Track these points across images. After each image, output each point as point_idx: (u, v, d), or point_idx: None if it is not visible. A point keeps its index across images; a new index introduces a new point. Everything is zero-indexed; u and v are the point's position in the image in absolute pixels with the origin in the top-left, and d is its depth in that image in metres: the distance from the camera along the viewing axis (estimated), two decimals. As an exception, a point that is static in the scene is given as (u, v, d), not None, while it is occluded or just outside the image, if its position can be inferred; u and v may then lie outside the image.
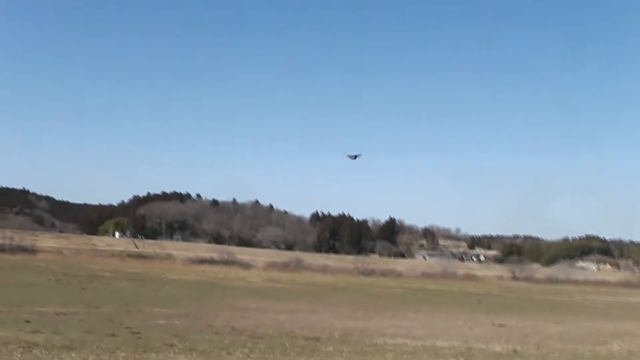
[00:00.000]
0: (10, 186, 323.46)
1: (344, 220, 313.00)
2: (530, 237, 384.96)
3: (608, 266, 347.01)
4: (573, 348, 34.22)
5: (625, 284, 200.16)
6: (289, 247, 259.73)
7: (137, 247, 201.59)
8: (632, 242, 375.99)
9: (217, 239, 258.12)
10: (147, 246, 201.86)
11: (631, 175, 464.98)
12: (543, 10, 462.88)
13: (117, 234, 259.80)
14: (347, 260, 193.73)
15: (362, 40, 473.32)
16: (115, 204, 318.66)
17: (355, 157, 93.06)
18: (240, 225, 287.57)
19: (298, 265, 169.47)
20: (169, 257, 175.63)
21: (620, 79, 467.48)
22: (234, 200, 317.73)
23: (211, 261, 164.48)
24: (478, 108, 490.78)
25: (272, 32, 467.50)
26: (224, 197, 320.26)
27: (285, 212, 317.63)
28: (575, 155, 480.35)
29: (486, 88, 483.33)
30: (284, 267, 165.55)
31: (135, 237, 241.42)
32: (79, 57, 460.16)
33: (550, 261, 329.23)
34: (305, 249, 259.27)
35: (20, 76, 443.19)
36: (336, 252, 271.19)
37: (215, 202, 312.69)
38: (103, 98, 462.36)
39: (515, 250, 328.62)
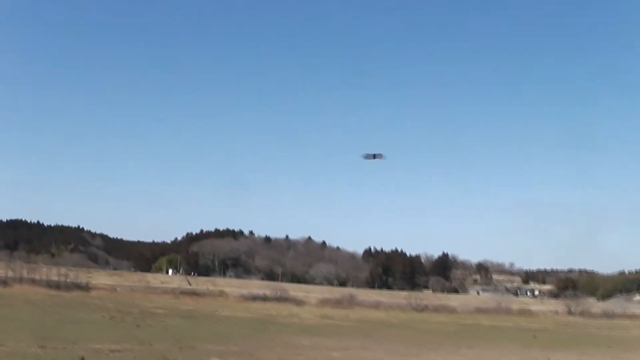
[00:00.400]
0: (66, 224, 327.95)
1: (396, 255, 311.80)
2: (585, 271, 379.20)
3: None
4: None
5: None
6: (342, 284, 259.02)
7: (190, 284, 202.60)
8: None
9: (270, 276, 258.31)
10: (200, 283, 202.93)
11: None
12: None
13: (170, 271, 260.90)
14: (399, 296, 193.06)
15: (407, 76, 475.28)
16: (168, 241, 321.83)
17: (374, 156, 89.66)
18: (292, 261, 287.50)
19: (351, 302, 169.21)
20: (221, 294, 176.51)
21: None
22: (287, 236, 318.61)
23: (264, 298, 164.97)
24: (532, 142, 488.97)
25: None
26: (276, 233, 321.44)
27: (338, 248, 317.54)
28: (629, 187, 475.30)
29: (539, 121, 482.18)
30: (337, 303, 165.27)
31: (189, 274, 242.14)
32: (141, 98, 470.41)
33: (607, 295, 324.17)
34: (358, 285, 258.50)
35: (79, 117, 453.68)
36: (389, 288, 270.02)
37: (267, 239, 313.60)
38: (159, 137, 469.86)
39: (570, 285, 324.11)
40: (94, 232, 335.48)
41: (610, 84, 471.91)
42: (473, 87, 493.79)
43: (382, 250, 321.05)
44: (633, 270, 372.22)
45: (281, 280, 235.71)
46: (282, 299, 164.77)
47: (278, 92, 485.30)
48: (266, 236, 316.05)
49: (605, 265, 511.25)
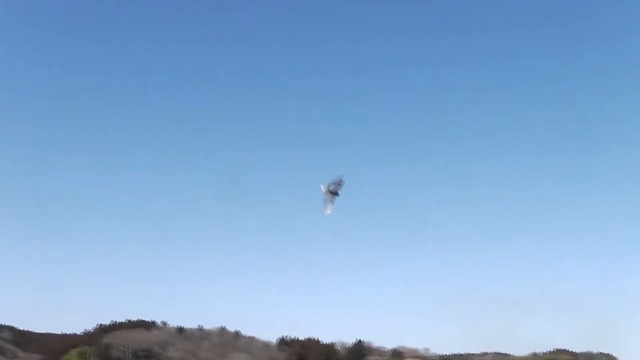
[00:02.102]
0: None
1: (311, 344, 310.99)
2: (500, 354, 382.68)
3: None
4: None
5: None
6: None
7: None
8: (602, 354, 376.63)
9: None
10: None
11: (601, 289, 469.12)
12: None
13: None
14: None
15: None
16: (79, 332, 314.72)
17: (336, 192, 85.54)
18: (207, 352, 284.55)
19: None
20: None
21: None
22: (201, 327, 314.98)
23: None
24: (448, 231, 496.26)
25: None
26: (190, 323, 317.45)
27: (253, 337, 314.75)
28: (541, 278, 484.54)
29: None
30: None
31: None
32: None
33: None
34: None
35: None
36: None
37: (181, 330, 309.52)
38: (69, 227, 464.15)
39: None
40: (1, 323, 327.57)
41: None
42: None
43: (296, 338, 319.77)
44: (546, 351, 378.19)
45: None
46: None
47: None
48: (179, 327, 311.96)
49: (519, 347, 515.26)
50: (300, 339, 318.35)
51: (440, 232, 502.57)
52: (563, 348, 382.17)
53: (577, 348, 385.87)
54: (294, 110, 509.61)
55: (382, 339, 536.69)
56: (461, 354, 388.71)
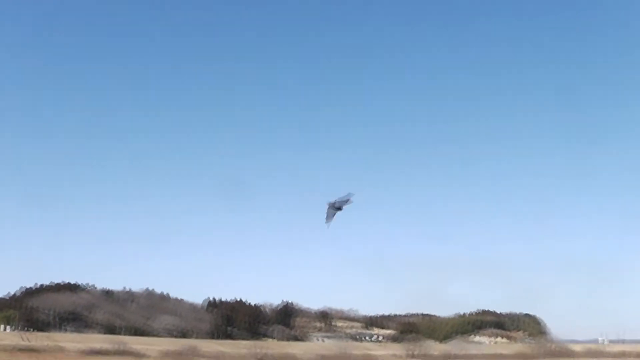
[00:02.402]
0: None
1: (238, 305, 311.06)
2: (426, 315, 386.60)
3: (503, 339, 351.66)
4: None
5: (520, 356, 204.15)
6: (184, 335, 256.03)
7: (26, 340, 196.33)
8: (524, 315, 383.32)
9: (111, 330, 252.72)
10: (38, 339, 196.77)
11: (521, 253, 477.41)
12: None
13: (7, 327, 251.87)
14: (242, 346, 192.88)
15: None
16: (3, 296, 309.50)
17: (340, 208, 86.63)
18: (134, 314, 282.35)
19: (193, 353, 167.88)
20: (60, 349, 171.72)
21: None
22: (127, 289, 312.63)
23: (105, 352, 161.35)
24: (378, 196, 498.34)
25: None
26: (117, 286, 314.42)
27: (180, 299, 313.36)
28: (468, 240, 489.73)
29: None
30: (179, 355, 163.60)
31: (25, 330, 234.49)
32: None
33: (446, 338, 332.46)
34: (201, 336, 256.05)
35: None
36: (232, 338, 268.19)
37: (108, 292, 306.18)
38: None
39: (411, 329, 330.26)
40: None
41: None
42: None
43: (224, 300, 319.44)
44: (471, 312, 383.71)
45: (122, 334, 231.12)
46: (124, 352, 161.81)
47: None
48: (106, 289, 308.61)
49: (444, 309, 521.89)
50: (227, 300, 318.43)
51: (366, 194, 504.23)
52: (487, 309, 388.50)
53: (501, 309, 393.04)
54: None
55: (310, 301, 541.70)
56: (387, 315, 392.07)
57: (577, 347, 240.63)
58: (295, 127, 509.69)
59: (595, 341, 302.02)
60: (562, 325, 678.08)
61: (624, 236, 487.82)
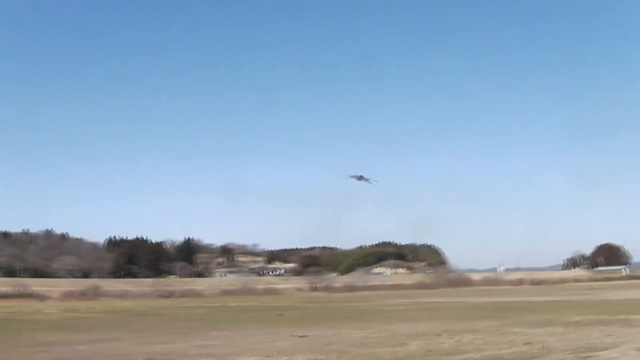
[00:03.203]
0: None
1: (140, 243, 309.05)
2: (327, 248, 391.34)
3: (403, 270, 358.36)
4: (374, 352, 35.02)
5: (420, 286, 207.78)
6: (86, 275, 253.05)
7: None
8: (424, 245, 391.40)
9: (11, 272, 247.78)
10: None
11: (419, 184, 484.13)
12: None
13: None
14: (145, 284, 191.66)
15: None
16: None
17: (360, 177, 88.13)
18: (34, 256, 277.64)
19: (96, 293, 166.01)
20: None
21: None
22: (26, 230, 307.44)
23: (4, 295, 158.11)
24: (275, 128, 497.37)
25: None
26: (15, 228, 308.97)
27: (80, 239, 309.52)
28: (364, 167, 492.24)
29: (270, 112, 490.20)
30: (82, 295, 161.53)
31: None
32: None
33: (348, 270, 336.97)
34: (103, 275, 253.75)
35: None
36: (135, 276, 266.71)
37: (5, 234, 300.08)
38: None
39: (313, 262, 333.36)
40: None
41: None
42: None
43: (125, 238, 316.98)
44: (372, 244, 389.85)
45: (22, 276, 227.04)
46: (25, 295, 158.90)
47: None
48: (3, 231, 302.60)
49: (346, 241, 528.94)
50: (128, 239, 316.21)
51: (268, 126, 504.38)
52: (388, 241, 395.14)
53: (402, 240, 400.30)
54: None
55: (212, 237, 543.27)
56: (290, 249, 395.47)
57: (476, 276, 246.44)
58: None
59: (494, 270, 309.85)
60: (461, 256, 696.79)
61: (521, 165, 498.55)
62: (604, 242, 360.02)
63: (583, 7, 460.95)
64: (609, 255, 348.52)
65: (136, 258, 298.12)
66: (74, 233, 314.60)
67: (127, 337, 51.99)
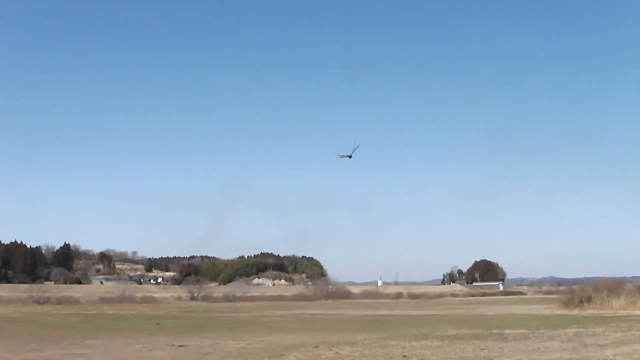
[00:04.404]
0: None
1: (15, 247, 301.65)
2: (208, 257, 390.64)
3: (283, 281, 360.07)
4: (250, 363, 35.28)
5: (300, 298, 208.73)
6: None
7: None
8: (304, 257, 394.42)
9: None
10: None
11: (300, 195, 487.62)
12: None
13: None
14: (20, 290, 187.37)
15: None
16: None
17: (350, 156, 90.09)
18: None
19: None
20: None
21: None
22: None
23: None
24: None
25: None
26: None
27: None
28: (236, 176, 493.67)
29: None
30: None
31: None
32: None
33: (228, 280, 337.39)
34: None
35: None
36: (9, 281, 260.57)
37: None
38: None
39: (193, 271, 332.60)
40: None
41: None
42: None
43: (0, 242, 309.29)
44: (252, 254, 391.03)
45: None
46: None
47: None
48: None
49: (226, 251, 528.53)
50: (3, 242, 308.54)
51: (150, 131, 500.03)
52: (268, 252, 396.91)
53: (282, 252, 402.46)
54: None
55: (90, 243, 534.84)
56: (169, 257, 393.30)
57: (355, 289, 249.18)
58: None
59: (374, 283, 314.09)
60: (341, 269, 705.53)
61: (402, 179, 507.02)
62: (480, 258, 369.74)
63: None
64: (485, 271, 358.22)
65: (11, 262, 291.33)
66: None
67: (0, 343, 51.04)
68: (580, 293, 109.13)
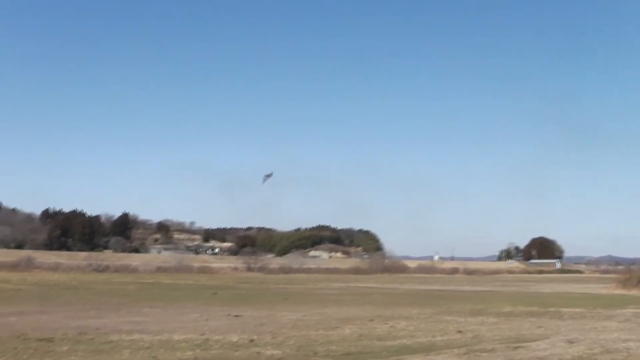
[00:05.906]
0: None
1: (75, 216, 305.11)
2: (264, 229, 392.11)
3: (339, 254, 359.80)
4: (307, 334, 35.22)
5: (355, 271, 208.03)
6: (19, 247, 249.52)
7: None
8: (360, 231, 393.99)
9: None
10: None
11: (355, 168, 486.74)
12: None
13: None
14: (79, 258, 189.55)
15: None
16: None
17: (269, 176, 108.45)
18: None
19: (29, 265, 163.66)
20: None
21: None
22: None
23: None
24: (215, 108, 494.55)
25: None
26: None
27: (14, 209, 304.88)
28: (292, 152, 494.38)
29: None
30: (14, 267, 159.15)
31: None
32: None
33: (284, 252, 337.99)
34: (36, 247, 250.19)
35: None
36: (68, 249, 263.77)
37: None
38: None
39: (249, 242, 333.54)
40: None
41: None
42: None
43: (60, 210, 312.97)
44: (308, 227, 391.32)
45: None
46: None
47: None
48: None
49: (283, 223, 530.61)
50: (64, 211, 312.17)
51: (207, 106, 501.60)
52: (324, 224, 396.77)
53: (338, 224, 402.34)
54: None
55: (149, 212, 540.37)
56: (226, 228, 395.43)
57: (411, 264, 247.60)
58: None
59: (430, 258, 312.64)
60: (397, 244, 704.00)
61: (455, 159, 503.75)
62: (538, 235, 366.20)
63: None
64: (542, 248, 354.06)
65: (71, 231, 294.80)
66: (8, 203, 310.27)
67: (59, 310, 51.60)
68: (638, 273, 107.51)
